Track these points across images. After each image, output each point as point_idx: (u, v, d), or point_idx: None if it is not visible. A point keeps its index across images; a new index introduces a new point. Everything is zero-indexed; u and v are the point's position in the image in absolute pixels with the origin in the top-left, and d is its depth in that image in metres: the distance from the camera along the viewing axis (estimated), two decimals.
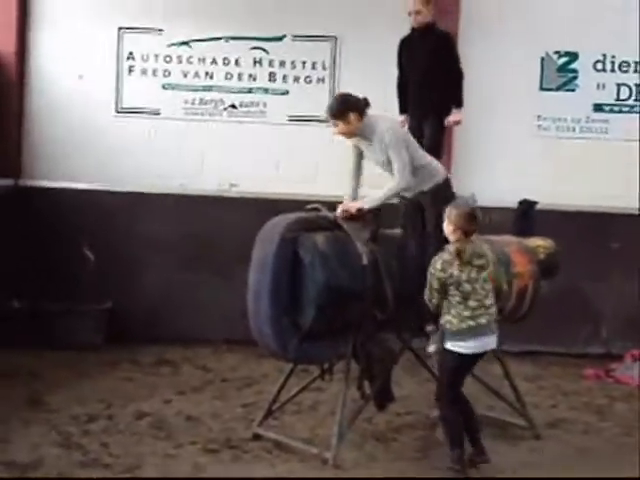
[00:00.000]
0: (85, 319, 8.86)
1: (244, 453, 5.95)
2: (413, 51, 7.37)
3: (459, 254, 5.48)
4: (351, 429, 6.11)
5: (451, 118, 7.27)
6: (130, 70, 9.53)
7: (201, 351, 8.88)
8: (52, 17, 9.46)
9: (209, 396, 7.36)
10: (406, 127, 7.17)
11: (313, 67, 9.54)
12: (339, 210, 6.00)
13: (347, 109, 6.00)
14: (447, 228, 5.58)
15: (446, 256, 5.54)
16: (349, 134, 6.08)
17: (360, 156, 6.27)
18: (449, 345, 5.58)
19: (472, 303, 5.53)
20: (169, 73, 9.54)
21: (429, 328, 6.05)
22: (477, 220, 5.61)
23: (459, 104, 7.33)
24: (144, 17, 9.49)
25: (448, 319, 5.56)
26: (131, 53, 9.51)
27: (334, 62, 9.43)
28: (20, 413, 6.55)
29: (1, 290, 8.75)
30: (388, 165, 6.04)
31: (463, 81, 7.44)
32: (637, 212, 9.20)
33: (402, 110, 7.48)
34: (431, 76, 7.22)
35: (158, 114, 9.54)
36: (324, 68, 9.50)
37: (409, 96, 7.34)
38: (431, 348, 6.01)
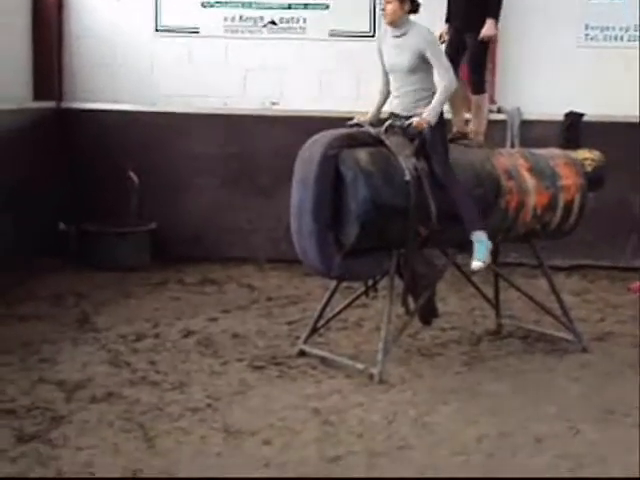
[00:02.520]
0: (130, 240, 8.92)
1: (290, 369, 5.99)
2: None
3: None
4: (396, 345, 6.13)
5: (483, 31, 6.89)
6: None
7: (245, 270, 8.92)
8: None
9: (254, 314, 7.41)
10: (446, 38, 6.93)
11: None
12: (415, 122, 5.85)
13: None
14: None
15: None
16: (395, 18, 5.93)
17: (386, 78, 6.17)
18: None
19: None
20: None
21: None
22: None
23: (494, 15, 6.91)
24: None
25: None
26: None
27: None
28: (69, 333, 6.63)
29: (47, 213, 8.83)
30: (411, 74, 5.89)
31: None
32: None
33: (447, 19, 7.21)
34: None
35: (197, 32, 9.44)
36: None
37: (451, 5, 7.10)
38: (475, 264, 5.95)
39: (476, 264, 5.94)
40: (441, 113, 5.93)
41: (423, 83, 5.95)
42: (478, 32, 6.77)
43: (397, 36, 5.98)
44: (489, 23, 6.72)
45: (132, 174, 9.04)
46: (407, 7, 5.93)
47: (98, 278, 8.28)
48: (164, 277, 8.50)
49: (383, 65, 6.13)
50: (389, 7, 5.94)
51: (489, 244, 5.95)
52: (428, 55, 5.84)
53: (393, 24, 5.97)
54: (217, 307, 7.57)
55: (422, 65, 5.90)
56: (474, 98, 6.85)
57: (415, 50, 5.86)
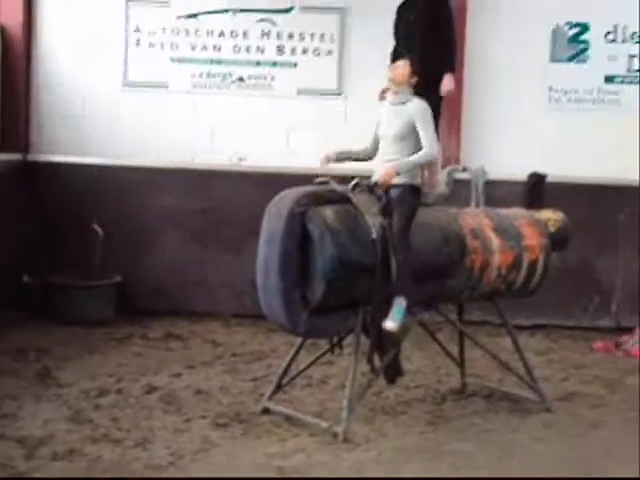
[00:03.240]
0: (95, 294, 8.86)
1: (254, 427, 5.94)
2: (409, 17, 7.14)
3: None
4: (361, 403, 6.11)
5: (443, 87, 6.97)
6: (137, 43, 9.47)
7: (211, 325, 8.88)
8: None
9: (219, 370, 7.36)
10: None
11: (321, 39, 9.47)
12: (379, 179, 5.94)
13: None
14: None
15: None
16: (404, 81, 6.08)
17: (375, 143, 6.26)
18: None
19: None
20: (177, 46, 9.48)
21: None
22: None
23: (451, 69, 7.09)
24: None
25: None
26: (138, 26, 9.45)
27: (342, 34, 9.36)
28: (31, 388, 6.54)
29: (11, 266, 8.75)
30: (399, 140, 5.99)
31: (456, 46, 7.23)
32: None
33: None
34: (426, 42, 7.00)
35: (166, 87, 9.49)
36: (332, 40, 9.43)
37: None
38: (390, 324, 5.90)
39: (391, 324, 5.87)
40: (417, 185, 6.00)
41: (410, 152, 6.02)
42: (432, 87, 6.82)
43: (396, 104, 6.08)
44: (447, 78, 6.78)
45: (97, 227, 9.00)
46: (413, 79, 6.10)
47: (61, 332, 8.19)
48: (128, 332, 8.43)
49: (376, 133, 6.24)
50: (399, 70, 6.12)
51: (405, 313, 5.94)
52: (417, 125, 5.95)
53: (401, 87, 6.07)
54: (181, 363, 7.51)
55: (412, 134, 6.01)
56: None
57: (408, 119, 5.99)
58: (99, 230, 9.00)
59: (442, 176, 8.24)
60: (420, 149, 6.02)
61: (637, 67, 9.43)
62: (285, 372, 6.37)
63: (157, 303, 9.13)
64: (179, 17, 9.45)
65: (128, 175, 9.22)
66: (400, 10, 7.38)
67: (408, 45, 7.11)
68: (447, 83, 6.79)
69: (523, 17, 9.34)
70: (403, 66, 6.14)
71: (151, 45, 9.47)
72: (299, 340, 6.27)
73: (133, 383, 6.82)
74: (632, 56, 9.43)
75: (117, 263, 9.06)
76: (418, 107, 6.06)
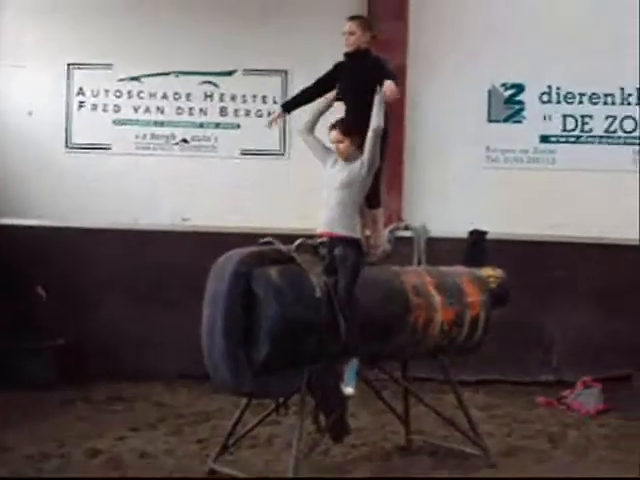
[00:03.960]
0: (37, 357, 8.75)
1: None
2: (345, 79, 7.03)
3: None
4: (307, 462, 6.09)
5: (385, 90, 6.14)
6: (80, 106, 9.52)
7: (155, 387, 8.82)
8: (1, 53, 9.42)
9: (164, 432, 7.30)
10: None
11: (264, 101, 9.61)
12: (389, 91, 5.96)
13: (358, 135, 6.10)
14: None
15: None
16: (349, 154, 6.09)
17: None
18: None
19: None
20: (119, 108, 9.56)
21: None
22: None
23: (392, 77, 6.30)
24: (93, 53, 9.51)
25: None
26: (81, 89, 9.52)
27: (285, 96, 9.49)
28: None
29: None
30: (345, 187, 6.03)
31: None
32: (583, 240, 9.34)
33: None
34: (363, 105, 6.84)
35: (109, 149, 9.53)
36: (275, 102, 9.57)
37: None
38: (349, 390, 5.95)
39: (349, 390, 5.90)
40: (359, 240, 6.08)
41: (354, 199, 6.08)
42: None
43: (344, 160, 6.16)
44: (387, 83, 6.11)
45: (40, 289, 8.93)
46: (357, 141, 6.10)
47: (3, 396, 8.06)
48: (71, 395, 8.33)
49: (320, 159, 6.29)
50: (342, 146, 6.11)
51: (358, 373, 5.98)
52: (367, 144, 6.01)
53: (348, 160, 6.13)
54: (125, 425, 7.43)
55: (356, 182, 6.06)
56: (371, 213, 6.81)
57: (355, 171, 6.04)
58: (42, 292, 8.92)
59: (384, 234, 8.34)
60: (360, 198, 6.11)
61: (572, 127, 9.71)
62: (231, 433, 6.35)
63: (101, 365, 9.04)
64: (122, 80, 9.53)
65: (72, 236, 9.19)
66: (335, 69, 7.10)
67: (346, 107, 6.98)
68: (388, 87, 6.09)
69: (461, 79, 9.60)
70: (342, 142, 6.09)
71: (94, 107, 9.53)
72: (244, 400, 6.26)
73: (77, 447, 6.73)
74: (566, 116, 9.71)
75: (61, 325, 8.97)
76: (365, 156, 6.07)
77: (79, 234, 9.21)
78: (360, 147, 6.08)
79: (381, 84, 6.22)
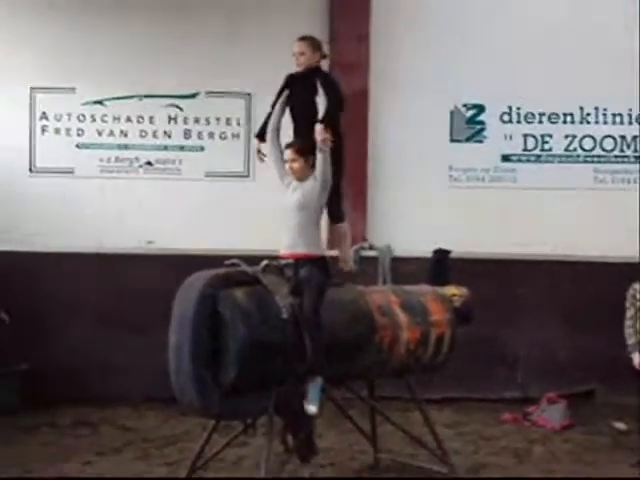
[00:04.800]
0: (1, 382, 8.67)
1: None
2: (296, 98, 7.02)
3: None
4: None
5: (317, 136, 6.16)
6: (43, 130, 9.51)
7: (121, 410, 8.76)
8: None
9: (130, 456, 7.26)
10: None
11: (228, 123, 9.65)
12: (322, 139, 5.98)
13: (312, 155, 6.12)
14: None
15: None
16: (303, 174, 6.13)
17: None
18: None
19: None
20: (83, 132, 9.55)
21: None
22: None
23: (322, 121, 6.25)
24: (56, 76, 9.51)
25: None
26: (44, 113, 9.50)
27: (249, 118, 9.54)
28: None
29: None
30: (301, 209, 6.06)
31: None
32: (545, 258, 9.45)
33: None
34: (314, 123, 6.77)
35: (72, 173, 9.51)
36: (239, 124, 9.61)
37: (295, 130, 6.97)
38: (312, 409, 5.96)
39: (312, 408, 5.90)
40: (324, 257, 6.12)
41: (307, 219, 6.11)
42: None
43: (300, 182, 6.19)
44: (317, 128, 6.13)
45: (3, 313, 8.86)
46: (311, 161, 6.14)
47: None
48: (35, 420, 8.25)
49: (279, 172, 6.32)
50: (295, 165, 6.14)
51: (321, 392, 5.99)
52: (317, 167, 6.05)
53: (301, 180, 6.17)
54: (91, 450, 7.39)
55: (313, 203, 6.09)
56: (335, 228, 6.87)
57: (309, 189, 6.07)
58: (5, 317, 8.85)
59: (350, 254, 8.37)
60: (319, 215, 6.16)
61: (532, 146, 9.84)
62: (199, 455, 6.33)
63: (65, 390, 8.95)
64: (85, 103, 9.53)
65: (35, 261, 9.13)
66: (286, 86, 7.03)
67: (296, 128, 6.94)
68: (318, 132, 6.11)
69: (423, 100, 9.70)
70: (296, 161, 6.13)
71: (57, 131, 9.52)
72: (212, 422, 6.26)
73: (42, 472, 6.69)
74: (526, 135, 9.84)
75: (24, 350, 8.90)
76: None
77: (43, 258, 9.15)
78: (314, 166, 6.12)
79: (330, 102, 6.29)
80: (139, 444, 7.65)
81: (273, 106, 6.57)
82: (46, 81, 9.50)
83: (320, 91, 6.38)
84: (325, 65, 7.35)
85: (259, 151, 6.64)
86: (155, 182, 9.58)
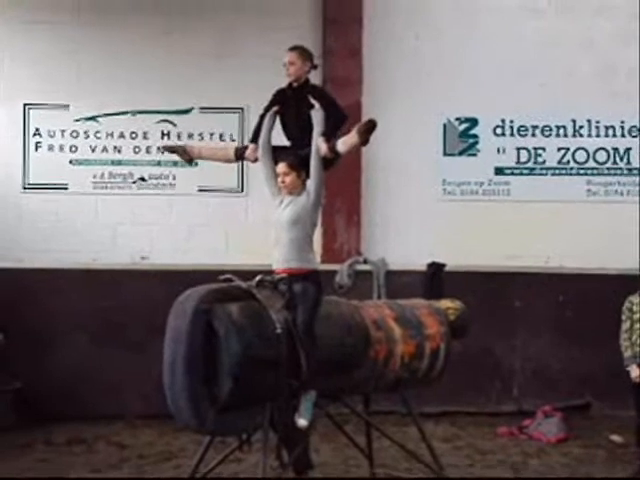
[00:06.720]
0: None
1: None
2: (287, 111, 6.98)
3: None
4: None
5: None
6: (37, 146, 9.51)
7: (116, 427, 8.74)
8: None
9: (126, 473, 7.24)
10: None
11: (221, 138, 9.65)
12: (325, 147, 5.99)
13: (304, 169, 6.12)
14: None
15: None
16: (294, 188, 6.11)
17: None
18: None
19: None
20: (76, 148, 9.55)
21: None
22: None
23: (323, 133, 6.27)
24: (50, 93, 9.52)
25: None
26: (37, 129, 9.50)
27: (242, 133, 9.55)
28: None
29: None
30: (293, 225, 6.05)
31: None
32: (539, 270, 9.47)
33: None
34: (306, 137, 6.75)
35: (66, 189, 9.51)
36: (232, 139, 9.62)
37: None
38: (303, 422, 5.93)
39: (302, 422, 5.87)
40: (317, 272, 6.11)
41: (300, 234, 6.10)
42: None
43: (290, 195, 6.18)
44: (319, 141, 6.16)
45: None
46: (303, 176, 6.14)
47: None
48: (30, 437, 8.23)
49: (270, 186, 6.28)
50: (288, 179, 6.12)
51: (313, 406, 5.98)
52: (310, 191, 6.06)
53: (292, 194, 6.16)
54: (86, 467, 7.37)
55: (305, 219, 6.08)
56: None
57: (303, 204, 6.06)
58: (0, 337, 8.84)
59: (344, 268, 8.47)
60: (312, 229, 6.14)
61: (525, 159, 9.87)
62: (194, 471, 6.30)
63: (60, 407, 8.93)
64: (78, 120, 9.53)
65: (29, 277, 9.12)
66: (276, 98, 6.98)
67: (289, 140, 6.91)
68: (319, 145, 6.15)
69: (416, 113, 9.73)
70: (288, 175, 6.10)
71: (51, 148, 9.52)
72: (207, 438, 6.23)
73: None
74: (520, 148, 9.86)
75: (19, 367, 8.88)
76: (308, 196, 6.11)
77: (37, 275, 9.14)
78: (305, 182, 6.12)
79: (327, 113, 6.28)
80: (134, 461, 7.62)
81: (261, 117, 6.57)
82: (39, 98, 9.51)
83: (317, 106, 6.38)
84: (318, 79, 7.43)
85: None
86: (149, 198, 9.58)
